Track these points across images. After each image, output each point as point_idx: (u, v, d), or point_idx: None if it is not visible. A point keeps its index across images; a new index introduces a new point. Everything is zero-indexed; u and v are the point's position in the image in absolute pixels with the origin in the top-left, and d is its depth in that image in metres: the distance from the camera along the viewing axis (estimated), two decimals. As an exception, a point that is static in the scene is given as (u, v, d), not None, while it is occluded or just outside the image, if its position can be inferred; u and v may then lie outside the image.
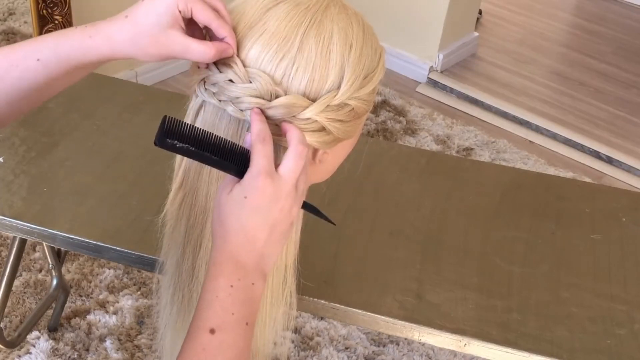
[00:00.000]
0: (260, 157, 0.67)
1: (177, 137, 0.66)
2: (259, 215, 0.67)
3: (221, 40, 0.71)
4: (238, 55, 0.72)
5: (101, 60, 0.73)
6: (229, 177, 0.69)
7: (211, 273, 0.68)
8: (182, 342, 0.82)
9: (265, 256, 0.69)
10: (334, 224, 0.85)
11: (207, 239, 0.77)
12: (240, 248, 0.67)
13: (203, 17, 0.70)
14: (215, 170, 0.74)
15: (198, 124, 0.75)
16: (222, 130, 0.73)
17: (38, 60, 0.72)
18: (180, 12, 0.69)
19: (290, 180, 0.68)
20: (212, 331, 0.65)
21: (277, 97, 0.71)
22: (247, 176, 0.67)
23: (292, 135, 0.69)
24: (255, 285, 0.68)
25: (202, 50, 0.70)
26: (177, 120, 0.67)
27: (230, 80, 0.71)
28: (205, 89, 0.73)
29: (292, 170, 0.68)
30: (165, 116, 0.66)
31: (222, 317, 0.66)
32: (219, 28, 0.70)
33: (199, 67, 0.74)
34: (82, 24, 0.75)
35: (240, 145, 0.70)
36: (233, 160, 0.68)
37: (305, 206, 0.77)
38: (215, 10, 0.71)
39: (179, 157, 0.78)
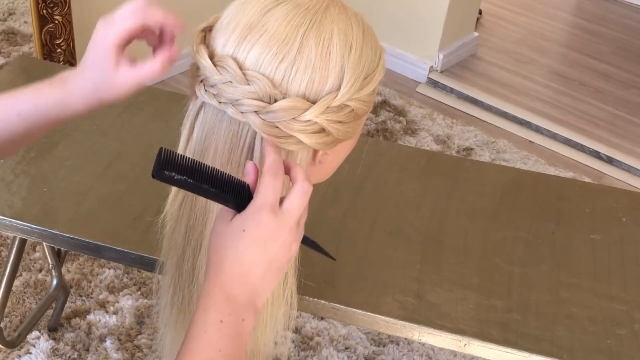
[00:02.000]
0: (268, 190, 0.65)
1: (175, 169, 0.65)
2: (257, 249, 0.66)
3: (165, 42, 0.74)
4: (238, 56, 0.71)
5: (80, 114, 0.78)
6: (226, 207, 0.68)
7: (201, 304, 0.66)
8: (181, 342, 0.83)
9: (259, 292, 0.67)
10: (334, 259, 0.86)
11: (207, 240, 0.77)
12: (234, 281, 0.66)
13: (135, 25, 0.73)
14: None
15: (198, 126, 0.75)
16: (222, 132, 0.73)
17: (18, 114, 0.76)
18: (117, 45, 0.73)
19: (294, 217, 0.66)
20: None
21: (275, 99, 0.71)
22: (249, 208, 0.66)
23: (297, 172, 0.68)
24: (245, 322, 0.67)
25: (150, 72, 0.74)
26: (173, 152, 0.66)
27: (230, 82, 0.71)
28: (205, 90, 0.73)
29: (297, 207, 0.67)
30: (162, 148, 0.65)
31: (209, 353, 0.65)
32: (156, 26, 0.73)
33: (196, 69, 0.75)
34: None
35: (238, 178, 0.68)
36: (231, 192, 0.67)
37: (305, 241, 0.76)
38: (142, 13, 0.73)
39: None
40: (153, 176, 0.65)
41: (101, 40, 0.73)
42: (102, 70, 0.73)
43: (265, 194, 0.65)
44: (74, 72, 0.76)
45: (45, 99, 0.76)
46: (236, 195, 0.68)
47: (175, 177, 0.65)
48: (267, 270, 0.67)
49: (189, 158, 0.66)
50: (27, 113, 0.76)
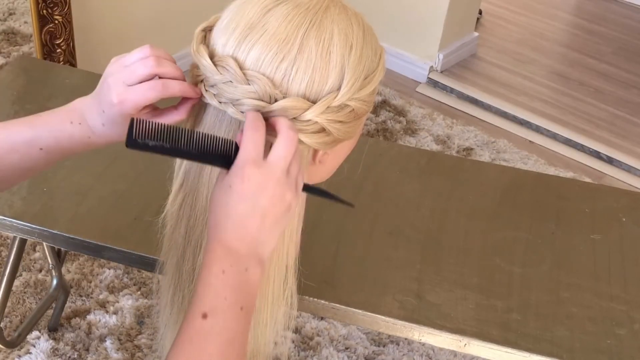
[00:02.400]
0: (249, 144, 0.67)
1: (149, 136, 0.66)
2: (246, 203, 0.67)
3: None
4: (238, 56, 0.72)
5: (100, 147, 0.79)
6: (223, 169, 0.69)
7: (205, 261, 0.68)
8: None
9: (260, 243, 0.69)
10: (352, 205, 0.82)
11: (206, 239, 0.77)
12: (231, 235, 0.67)
13: (153, 100, 0.73)
14: (216, 172, 0.74)
15: (198, 126, 0.75)
16: (222, 132, 0.73)
17: (41, 149, 0.77)
18: (132, 114, 0.73)
19: (279, 168, 0.67)
20: (204, 316, 0.65)
21: (276, 99, 0.71)
22: (234, 164, 0.68)
23: (280, 123, 0.69)
24: (249, 271, 0.68)
25: (174, 121, 0.74)
26: (147, 120, 0.67)
27: (230, 82, 0.71)
28: (206, 90, 0.73)
29: (282, 157, 0.67)
30: (133, 118, 0.66)
31: (214, 302, 0.66)
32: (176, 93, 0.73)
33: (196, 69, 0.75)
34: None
35: (224, 137, 0.69)
36: (217, 152, 0.68)
37: (311, 190, 0.75)
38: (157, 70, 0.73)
39: (179, 159, 0.78)
40: (127, 146, 0.65)
41: (118, 107, 0.72)
42: (124, 127, 0.73)
43: (246, 148, 0.67)
44: (94, 114, 0.75)
45: (68, 137, 0.77)
46: (224, 154, 0.68)
47: (150, 144, 0.66)
48: (263, 222, 0.68)
49: (164, 124, 0.67)
50: (50, 148, 0.77)
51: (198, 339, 0.65)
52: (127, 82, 0.72)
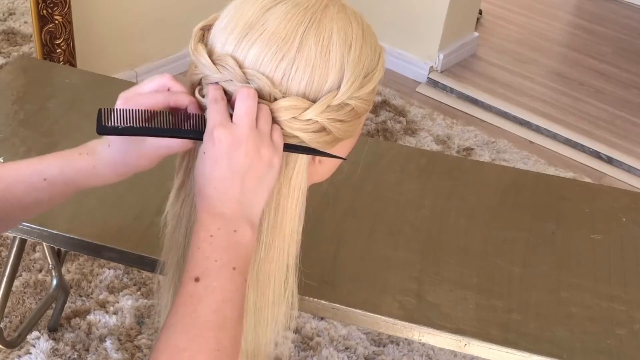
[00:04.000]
0: (213, 114, 0.68)
1: (117, 121, 0.68)
2: (221, 165, 0.68)
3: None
4: (237, 55, 0.71)
5: (109, 182, 0.79)
6: None
7: (194, 230, 0.69)
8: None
9: (246, 203, 0.69)
10: (344, 159, 0.81)
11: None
12: (214, 200, 0.68)
13: (161, 104, 0.73)
14: None
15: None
16: None
17: (45, 179, 0.77)
18: None
19: (245, 123, 0.68)
20: (196, 279, 0.66)
21: (275, 98, 0.71)
22: (204, 134, 0.69)
23: (237, 89, 0.70)
24: (238, 232, 0.68)
25: (179, 141, 0.74)
26: (113, 108, 0.69)
27: (230, 81, 0.71)
28: (202, 95, 0.73)
29: (245, 113, 0.68)
30: (100, 108, 0.69)
31: (204, 265, 0.67)
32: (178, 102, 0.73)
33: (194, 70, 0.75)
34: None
35: (193, 113, 0.71)
36: (188, 127, 0.70)
37: (294, 148, 0.74)
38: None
39: (179, 157, 0.78)
40: (97, 132, 0.68)
41: (124, 104, 0.73)
42: (129, 145, 0.75)
43: (212, 117, 0.69)
44: (102, 142, 0.77)
45: (73, 167, 0.77)
46: (195, 129, 0.70)
47: (120, 127, 0.69)
48: (243, 181, 0.68)
49: (131, 108, 0.70)
50: (53, 179, 0.77)
51: (192, 302, 0.65)
52: (139, 90, 0.73)
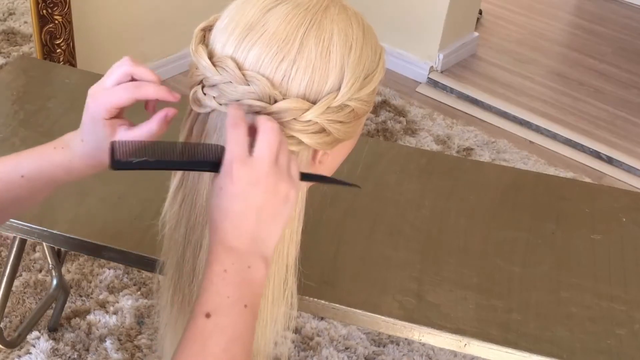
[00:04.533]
0: (232, 145, 0.67)
1: (132, 155, 0.68)
2: (239, 202, 0.67)
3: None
4: (238, 56, 0.71)
5: (85, 175, 0.80)
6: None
7: (207, 262, 0.68)
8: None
9: (260, 239, 0.68)
10: (359, 187, 0.83)
11: (207, 239, 0.77)
12: (229, 234, 0.67)
13: (126, 101, 0.74)
14: None
15: (197, 126, 0.75)
16: (223, 134, 0.73)
17: (22, 176, 0.77)
18: (109, 117, 0.75)
19: (266, 160, 0.67)
20: (207, 315, 0.65)
21: (275, 100, 0.71)
22: (222, 166, 0.68)
23: (259, 118, 0.69)
24: (252, 268, 0.68)
25: (148, 133, 0.75)
26: (126, 141, 0.69)
27: (230, 82, 0.71)
28: (204, 93, 0.73)
29: (267, 148, 0.67)
30: (112, 141, 0.68)
31: (216, 300, 0.66)
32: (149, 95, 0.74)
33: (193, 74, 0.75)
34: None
35: (209, 143, 0.71)
36: (203, 159, 0.69)
37: (310, 178, 0.75)
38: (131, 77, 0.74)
39: None
40: (111, 168, 0.68)
41: (94, 110, 0.75)
42: (99, 138, 0.76)
43: (230, 148, 0.67)
44: (76, 135, 0.78)
45: (49, 161, 0.77)
46: (211, 159, 0.69)
47: (134, 161, 0.68)
48: (260, 218, 0.68)
49: (144, 141, 0.70)
50: (31, 175, 0.77)
51: (202, 338, 0.65)
52: (104, 85, 0.74)
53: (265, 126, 0.68)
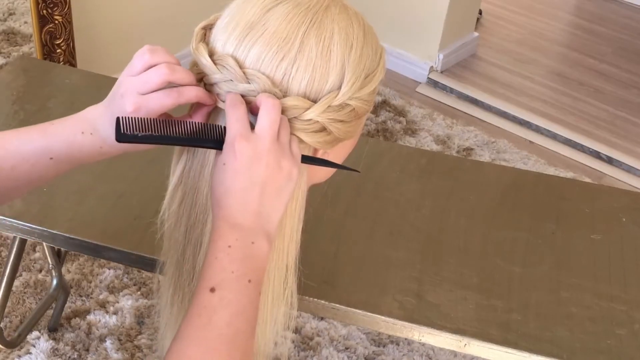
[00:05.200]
0: (232, 122, 0.68)
1: (137, 129, 0.69)
2: (242, 177, 0.67)
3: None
4: (238, 55, 0.72)
5: (112, 156, 0.78)
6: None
7: (211, 238, 0.69)
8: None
9: (264, 215, 0.69)
10: (358, 171, 0.84)
11: (207, 238, 0.77)
12: (233, 211, 0.68)
13: (169, 108, 0.72)
14: None
15: None
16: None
17: (51, 159, 0.76)
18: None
19: (268, 136, 0.68)
20: (212, 290, 0.66)
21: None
22: (225, 143, 0.69)
23: (260, 96, 0.70)
24: (255, 244, 0.68)
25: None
26: (132, 117, 0.70)
27: (230, 81, 0.71)
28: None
29: (268, 126, 0.68)
30: (119, 117, 0.69)
31: (221, 275, 0.67)
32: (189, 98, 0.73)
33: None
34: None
35: (212, 123, 0.71)
36: (207, 136, 0.70)
37: (311, 160, 0.75)
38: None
39: (175, 156, 0.78)
40: (117, 140, 0.69)
41: (134, 112, 0.71)
42: None
43: (231, 126, 0.68)
44: (106, 123, 0.74)
45: (79, 149, 0.76)
46: (214, 137, 0.70)
47: (139, 135, 0.69)
48: (263, 193, 0.68)
49: (150, 118, 0.70)
50: (60, 158, 0.76)
51: (206, 313, 0.65)
52: (141, 92, 0.71)
53: (267, 103, 0.69)
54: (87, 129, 0.75)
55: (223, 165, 0.68)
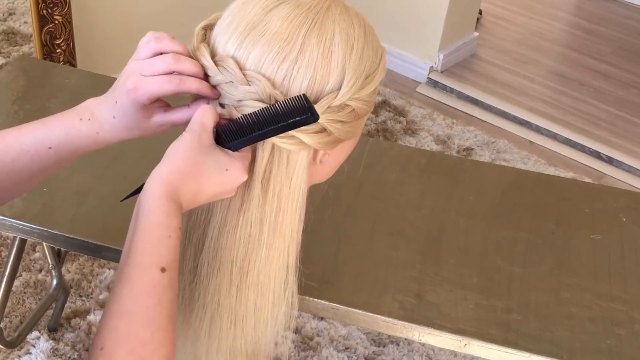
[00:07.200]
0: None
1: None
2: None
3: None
4: (239, 56, 0.72)
5: (108, 144, 0.79)
6: None
7: (159, 209, 0.68)
8: (181, 341, 0.82)
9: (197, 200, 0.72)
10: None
11: (208, 238, 0.77)
12: (181, 191, 0.70)
13: (168, 93, 0.73)
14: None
15: None
16: None
17: (50, 148, 0.77)
18: (148, 103, 0.74)
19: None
20: (162, 270, 0.66)
21: (276, 100, 0.71)
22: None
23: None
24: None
25: (186, 118, 0.74)
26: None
27: (231, 82, 0.71)
28: None
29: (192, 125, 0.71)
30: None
31: (172, 256, 0.67)
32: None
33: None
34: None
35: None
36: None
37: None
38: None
39: None
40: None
41: (134, 96, 0.72)
42: (134, 118, 0.75)
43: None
44: (103, 108, 0.76)
45: (77, 135, 0.76)
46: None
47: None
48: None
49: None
50: (59, 147, 0.77)
51: (157, 293, 0.65)
52: (144, 74, 0.72)
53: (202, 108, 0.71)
54: (86, 115, 0.77)
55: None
